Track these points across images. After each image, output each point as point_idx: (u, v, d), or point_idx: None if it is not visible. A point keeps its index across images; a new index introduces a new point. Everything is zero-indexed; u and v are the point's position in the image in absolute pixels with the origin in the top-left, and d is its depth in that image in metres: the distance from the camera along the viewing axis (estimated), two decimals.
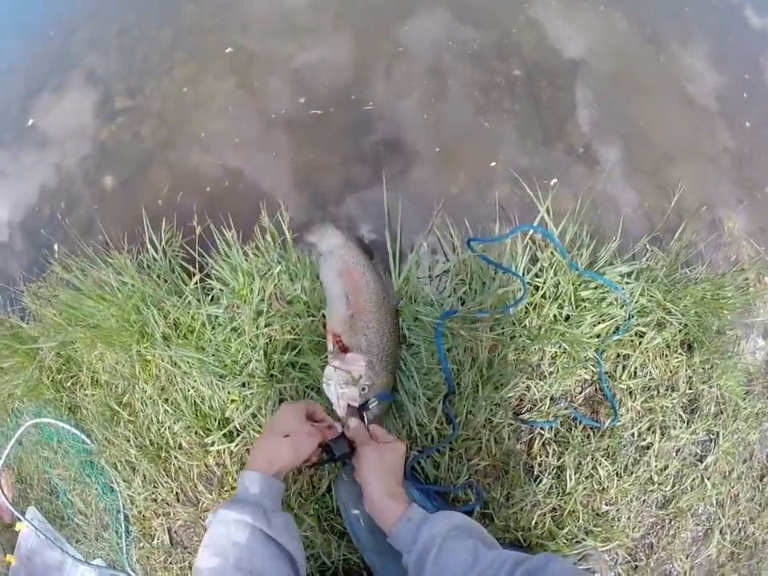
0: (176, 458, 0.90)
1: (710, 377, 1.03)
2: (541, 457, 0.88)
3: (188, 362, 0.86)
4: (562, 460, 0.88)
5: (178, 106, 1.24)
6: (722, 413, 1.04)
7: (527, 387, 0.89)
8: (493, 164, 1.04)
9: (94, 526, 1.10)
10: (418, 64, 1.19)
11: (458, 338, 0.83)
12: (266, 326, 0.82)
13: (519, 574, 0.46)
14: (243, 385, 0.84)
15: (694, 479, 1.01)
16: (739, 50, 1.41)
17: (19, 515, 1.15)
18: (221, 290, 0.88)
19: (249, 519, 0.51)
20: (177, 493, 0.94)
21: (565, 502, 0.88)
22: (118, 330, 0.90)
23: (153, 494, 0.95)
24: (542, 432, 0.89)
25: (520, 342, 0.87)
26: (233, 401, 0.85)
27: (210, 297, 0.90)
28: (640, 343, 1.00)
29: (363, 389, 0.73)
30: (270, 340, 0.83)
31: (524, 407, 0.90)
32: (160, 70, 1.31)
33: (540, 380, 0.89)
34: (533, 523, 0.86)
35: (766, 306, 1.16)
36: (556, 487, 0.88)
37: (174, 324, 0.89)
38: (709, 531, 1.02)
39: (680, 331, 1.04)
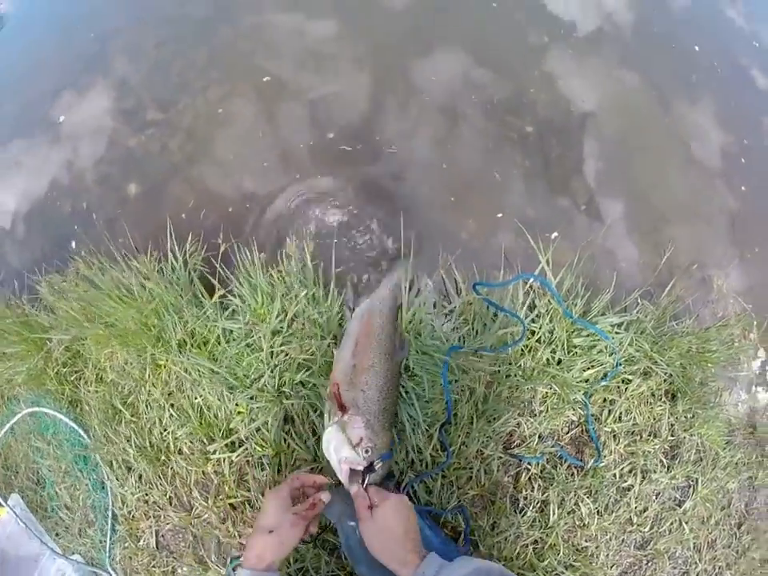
0: (175, 462, 0.92)
1: (691, 425, 1.09)
2: (526, 490, 0.93)
3: (199, 371, 0.89)
4: (546, 495, 0.92)
5: (208, 125, 1.30)
6: (701, 460, 1.10)
7: (518, 423, 0.94)
8: (500, 215, 1.13)
9: (78, 521, 1.10)
10: (432, 105, 1.26)
11: (459, 372, 0.88)
12: (281, 345, 0.85)
13: None
14: (252, 398, 0.87)
15: (672, 523, 1.06)
16: (744, 110, 1.49)
17: (2, 500, 1.14)
18: (239, 306, 0.92)
19: None
20: (170, 497, 0.95)
21: (547, 535, 0.92)
22: (135, 331, 0.92)
23: (146, 495, 0.97)
24: (529, 467, 0.94)
25: (514, 381, 0.93)
26: (239, 413, 0.88)
27: (227, 311, 0.94)
28: (626, 390, 1.06)
29: (366, 451, 0.72)
30: (286, 356, 0.87)
31: (514, 442, 0.95)
32: (194, 88, 1.37)
33: (530, 417, 0.95)
34: (515, 553, 0.89)
35: (750, 360, 1.24)
36: (539, 520, 0.93)
37: (191, 333, 0.92)
38: (685, 575, 1.06)
39: (665, 381, 1.11)
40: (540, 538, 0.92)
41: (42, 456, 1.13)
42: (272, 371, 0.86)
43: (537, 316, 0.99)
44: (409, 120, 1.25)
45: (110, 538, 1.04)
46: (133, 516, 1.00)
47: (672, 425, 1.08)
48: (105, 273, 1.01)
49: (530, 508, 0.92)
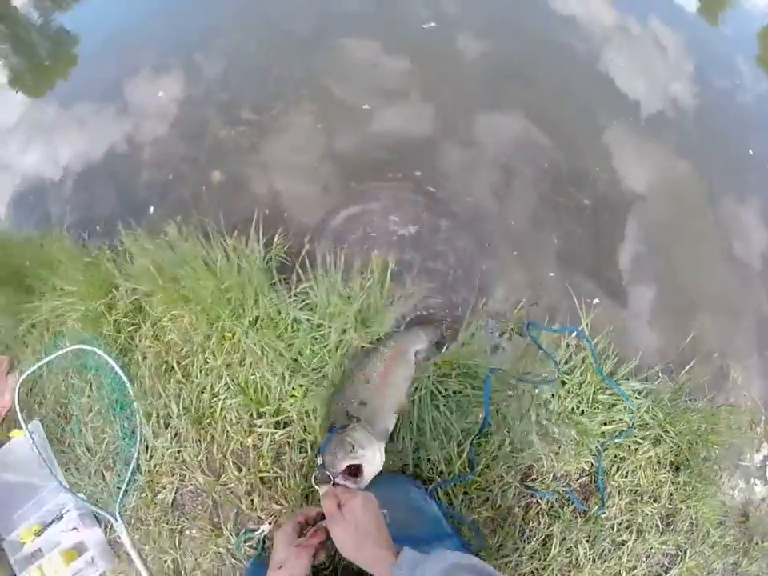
0: (217, 428, 0.97)
1: (689, 497, 1.15)
2: (533, 523, 0.99)
3: (264, 350, 0.95)
4: (551, 529, 0.98)
5: (298, 134, 1.40)
6: (692, 533, 1.15)
7: (538, 459, 1.01)
8: (551, 274, 1.26)
9: (96, 463, 1.13)
10: (490, 158, 1.37)
11: (500, 403, 0.96)
12: (347, 345, 0.92)
13: None
14: (309, 385, 0.93)
15: None
16: None
17: (23, 423, 1.15)
18: (314, 302, 0.99)
19: None
20: (201, 459, 0.99)
21: (543, 568, 0.98)
22: (213, 301, 0.98)
23: (178, 452, 1.01)
24: (540, 502, 1.00)
25: (543, 421, 1.00)
26: (293, 396, 0.94)
27: (302, 303, 1.01)
28: (636, 451, 1.14)
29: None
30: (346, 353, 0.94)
31: (531, 475, 1.02)
32: (288, 98, 1.48)
33: (551, 456, 1.01)
34: None
35: (753, 452, 1.30)
36: (539, 553, 0.98)
37: (268, 315, 0.98)
38: None
39: (672, 450, 1.17)
40: (537, 569, 0.98)
41: (75, 392, 1.17)
42: (335, 365, 0.93)
43: (571, 368, 1.08)
44: (466, 167, 1.36)
45: (127, 485, 1.06)
46: (158, 470, 1.04)
47: (671, 493, 1.15)
48: (189, 240, 1.09)
49: (534, 539, 0.97)
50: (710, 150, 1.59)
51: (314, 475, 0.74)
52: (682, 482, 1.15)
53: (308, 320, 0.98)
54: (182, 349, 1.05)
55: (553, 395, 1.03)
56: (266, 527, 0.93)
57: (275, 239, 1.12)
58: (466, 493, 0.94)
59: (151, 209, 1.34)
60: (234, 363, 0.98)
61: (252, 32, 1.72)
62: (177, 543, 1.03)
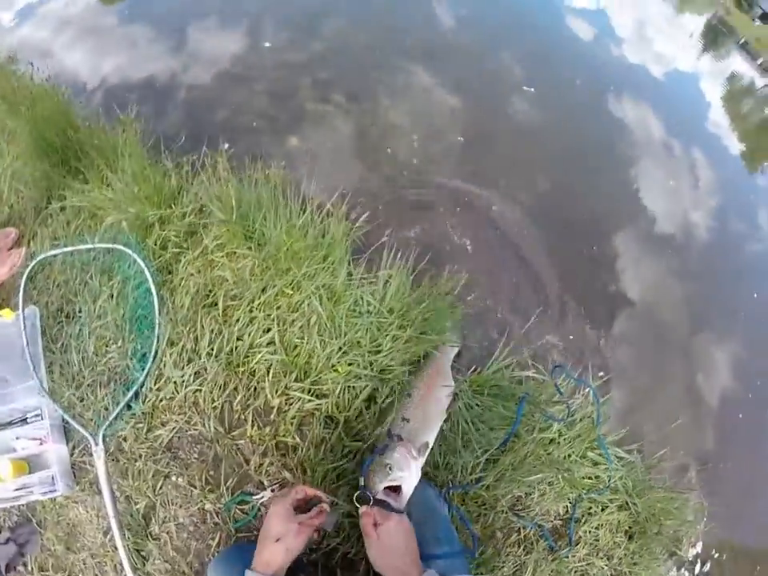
0: (245, 378, 0.93)
1: (635, 564, 1.26)
2: (511, 549, 1.07)
3: (319, 318, 0.93)
4: (525, 558, 1.06)
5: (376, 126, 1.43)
6: None
7: (528, 493, 1.09)
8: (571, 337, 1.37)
9: (90, 376, 1.03)
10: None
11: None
12: (408, 338, 0.93)
13: None
14: (356, 364, 0.92)
15: None
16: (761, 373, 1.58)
17: (21, 304, 0.98)
18: (379, 290, 0.99)
19: None
20: (217, 407, 0.94)
21: None
22: (288, 255, 0.95)
23: (195, 392, 0.95)
24: (520, 531, 1.08)
25: (544, 457, 1.10)
26: (336, 370, 0.93)
27: (372, 288, 1.01)
28: (604, 510, 1.25)
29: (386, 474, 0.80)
30: (403, 345, 0.95)
31: (518, 506, 1.09)
32: (376, 95, 1.52)
33: (540, 492, 1.10)
34: None
35: (689, 546, 1.42)
36: None
37: (338, 289, 0.96)
38: None
39: (630, 519, 1.30)
40: None
41: (90, 293, 1.05)
42: (388, 353, 0.93)
43: (572, 420, 1.19)
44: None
45: (121, 409, 0.97)
46: (163, 404, 0.97)
47: (621, 557, 1.26)
48: (277, 186, 1.04)
49: (509, 564, 1.05)
50: (709, 282, 1.70)
51: (355, 495, 0.78)
52: (631, 550, 1.27)
53: (371, 306, 0.97)
54: (232, 289, 0.99)
55: (552, 440, 1.12)
56: (267, 494, 0.90)
57: (359, 220, 1.13)
58: (464, 504, 0.99)
59: (226, 145, 1.31)
60: (284, 322, 0.96)
61: (362, 24, 1.74)
62: (156, 487, 0.96)
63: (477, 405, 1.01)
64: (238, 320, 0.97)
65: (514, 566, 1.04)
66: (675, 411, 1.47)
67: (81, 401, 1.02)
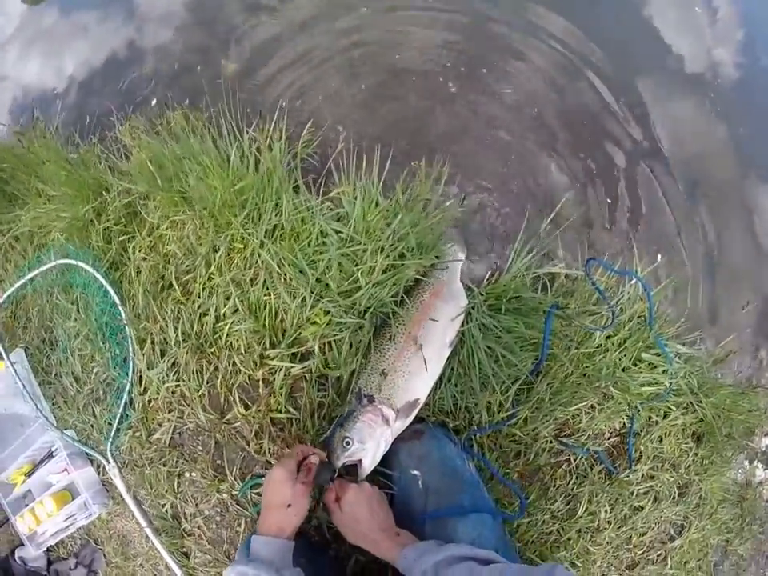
0: (222, 358, 0.84)
1: (704, 471, 1.13)
2: (561, 481, 0.93)
3: (282, 265, 0.80)
4: (579, 490, 0.93)
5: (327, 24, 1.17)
6: (699, 507, 1.14)
7: (575, 415, 0.93)
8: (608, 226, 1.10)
9: (86, 395, 1.01)
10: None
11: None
12: (388, 266, 0.77)
13: None
14: (334, 311, 0.79)
15: (660, 554, 1.09)
16: None
17: (4, 353, 1.03)
18: (347, 212, 0.83)
19: (264, 574, 0.60)
20: (204, 394, 0.88)
21: (564, 529, 0.93)
22: (223, 204, 0.82)
23: (176, 385, 0.88)
24: (570, 460, 0.94)
25: (588, 372, 0.92)
26: (314, 323, 0.81)
27: (332, 212, 0.85)
28: (666, 417, 1.08)
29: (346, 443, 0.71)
30: (384, 275, 0.79)
31: (565, 431, 0.94)
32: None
33: (589, 412, 0.94)
34: (534, 538, 0.90)
35: (762, 436, 1.27)
36: (563, 513, 0.93)
37: (289, 225, 0.81)
38: None
39: (697, 422, 1.13)
40: (559, 530, 0.93)
41: (61, 315, 1.02)
42: (367, 288, 0.78)
43: (620, 321, 0.98)
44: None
45: (119, 422, 0.95)
46: (153, 405, 0.92)
47: (689, 465, 1.12)
48: (198, 134, 0.90)
49: (560, 499, 0.92)
50: (746, 121, 1.39)
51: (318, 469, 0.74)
52: (700, 455, 1.12)
53: (338, 233, 0.81)
54: (183, 262, 0.89)
55: (599, 346, 0.93)
56: None
57: (302, 134, 0.92)
58: (499, 446, 0.86)
59: (153, 101, 1.13)
60: (244, 281, 0.83)
61: None
62: (175, 487, 0.94)
63: (494, 326, 0.83)
64: (198, 294, 0.87)
65: (565, 500, 0.91)
66: (738, 284, 1.21)
67: (86, 423, 1.01)
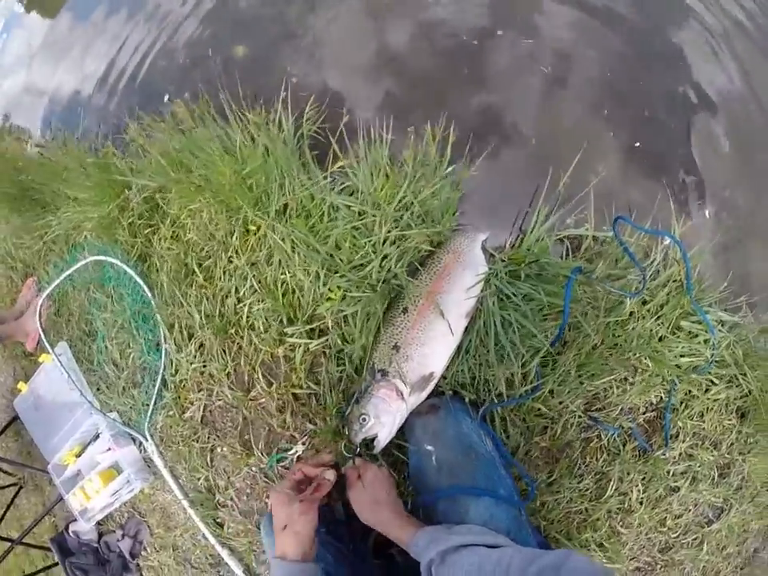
0: (244, 337, 0.88)
1: (748, 451, 1.04)
2: (590, 458, 0.89)
3: (295, 244, 0.81)
4: (610, 468, 0.89)
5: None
6: (742, 488, 1.06)
7: (606, 388, 0.88)
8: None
9: (124, 380, 1.09)
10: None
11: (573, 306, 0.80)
12: (400, 236, 0.76)
13: (535, 569, 0.46)
14: (348, 285, 0.79)
15: (696, 538, 1.03)
16: None
17: (48, 347, 1.13)
18: (355, 184, 0.82)
19: None
20: (230, 373, 0.92)
21: (593, 509, 0.89)
22: (232, 188, 0.84)
23: (204, 366, 0.94)
24: (600, 436, 0.89)
25: (619, 342, 0.86)
26: (329, 299, 0.82)
27: (341, 186, 0.85)
28: (707, 391, 1.00)
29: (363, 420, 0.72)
30: (398, 248, 0.78)
31: (595, 405, 0.90)
32: None
33: (621, 385, 0.89)
34: (560, 517, 0.87)
35: None
36: (592, 492, 0.89)
37: (300, 202, 0.83)
38: None
39: (741, 397, 1.04)
40: (587, 509, 0.89)
41: (98, 308, 1.10)
42: (381, 262, 0.78)
43: (656, 286, 0.91)
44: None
45: (154, 403, 1.02)
46: (184, 385, 0.98)
47: (732, 443, 1.03)
48: (206, 122, 0.93)
49: (589, 477, 0.88)
50: None
51: (342, 444, 0.76)
52: (744, 433, 1.02)
53: (347, 206, 0.81)
54: (203, 249, 0.93)
55: (632, 313, 0.87)
56: (299, 447, 0.86)
57: (306, 111, 0.92)
58: (523, 420, 0.84)
59: (166, 97, 1.16)
60: (260, 262, 0.86)
61: None
62: (208, 461, 1.00)
63: (513, 294, 0.79)
64: (219, 278, 0.91)
65: (594, 478, 0.86)
66: None
67: (126, 405, 1.09)
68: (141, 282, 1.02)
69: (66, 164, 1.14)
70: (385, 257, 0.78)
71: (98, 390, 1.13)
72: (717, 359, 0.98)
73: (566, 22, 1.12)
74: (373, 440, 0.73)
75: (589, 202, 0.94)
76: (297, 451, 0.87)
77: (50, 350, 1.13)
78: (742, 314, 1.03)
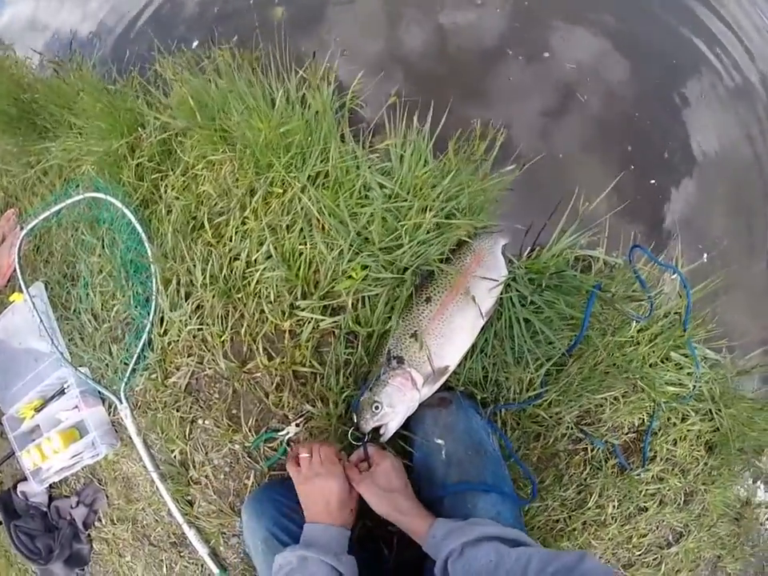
0: (249, 304, 0.82)
1: (711, 482, 1.12)
2: (576, 470, 0.92)
3: (321, 213, 0.77)
4: (592, 481, 0.92)
5: None
6: (701, 517, 1.13)
7: (600, 404, 0.92)
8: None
9: (103, 333, 0.99)
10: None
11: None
12: (438, 225, 0.74)
13: (552, 570, 0.46)
14: (379, 266, 0.76)
15: (655, 558, 1.09)
16: None
17: (23, 285, 1.01)
18: (393, 167, 0.79)
19: (322, 558, 0.60)
20: (226, 340, 0.86)
21: (572, 518, 0.93)
22: (269, 144, 0.78)
23: (199, 329, 0.86)
24: (587, 449, 0.93)
25: (619, 362, 0.90)
26: (350, 277, 0.78)
27: (378, 166, 0.81)
28: (684, 420, 1.07)
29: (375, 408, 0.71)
30: (429, 234, 0.76)
31: (586, 419, 0.93)
32: None
33: (613, 403, 0.93)
34: (541, 524, 0.89)
35: None
36: (572, 503, 0.92)
37: (334, 174, 0.78)
38: None
39: (712, 431, 1.12)
40: (566, 518, 0.92)
41: (85, 250, 1.00)
42: (410, 246, 0.75)
43: (655, 316, 0.96)
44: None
45: (135, 362, 0.93)
46: (172, 348, 0.90)
47: (698, 473, 1.10)
48: (244, 72, 0.86)
49: (572, 488, 0.91)
50: None
51: (349, 432, 0.75)
52: (710, 465, 1.10)
53: (382, 187, 0.78)
54: (217, 204, 0.86)
55: (631, 338, 0.91)
56: (292, 429, 0.82)
57: (352, 85, 0.89)
58: (521, 425, 0.85)
59: (195, 42, 1.09)
60: (280, 227, 0.80)
61: None
62: (187, 433, 0.92)
63: (535, 299, 0.80)
64: (230, 238, 0.85)
65: (576, 489, 0.90)
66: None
67: (101, 361, 0.99)
68: (140, 228, 0.93)
69: (79, 87, 1.03)
70: (421, 243, 0.76)
71: (71, 340, 1.02)
72: (697, 392, 1.05)
73: (614, 61, 1.15)
74: (378, 429, 0.71)
75: (603, 226, 1.00)
76: (289, 433, 0.82)
77: (24, 289, 1.01)
78: (722, 355, 1.13)
